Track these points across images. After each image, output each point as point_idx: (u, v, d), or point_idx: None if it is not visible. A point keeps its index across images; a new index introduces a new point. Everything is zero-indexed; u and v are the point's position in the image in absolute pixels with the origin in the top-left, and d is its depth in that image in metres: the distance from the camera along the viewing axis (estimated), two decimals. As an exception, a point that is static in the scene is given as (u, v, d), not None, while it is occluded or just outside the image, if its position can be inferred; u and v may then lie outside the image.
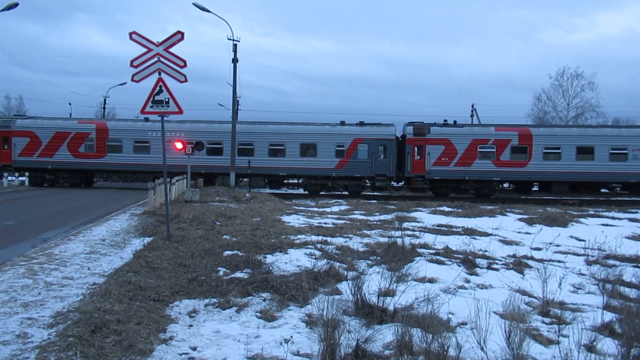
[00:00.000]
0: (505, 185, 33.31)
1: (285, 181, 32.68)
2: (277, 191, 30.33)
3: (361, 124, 30.66)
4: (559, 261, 9.59)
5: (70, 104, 61.08)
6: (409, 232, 12.75)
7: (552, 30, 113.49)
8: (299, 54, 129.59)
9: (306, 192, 30.71)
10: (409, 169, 29.80)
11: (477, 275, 8.11)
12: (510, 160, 29.56)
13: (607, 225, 16.49)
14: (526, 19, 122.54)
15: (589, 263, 9.39)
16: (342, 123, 31.01)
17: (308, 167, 30.28)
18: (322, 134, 30.47)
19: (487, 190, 30.09)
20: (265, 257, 8.82)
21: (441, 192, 29.98)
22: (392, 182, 31.10)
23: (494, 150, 29.63)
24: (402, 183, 31.73)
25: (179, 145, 27.77)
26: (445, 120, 30.61)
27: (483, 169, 29.56)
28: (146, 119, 31.61)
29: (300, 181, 32.43)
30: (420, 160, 29.66)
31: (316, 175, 30.37)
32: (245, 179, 31.37)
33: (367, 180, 30.71)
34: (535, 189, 32.61)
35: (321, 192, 30.42)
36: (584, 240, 12.32)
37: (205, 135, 30.43)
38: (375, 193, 30.69)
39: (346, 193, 30.16)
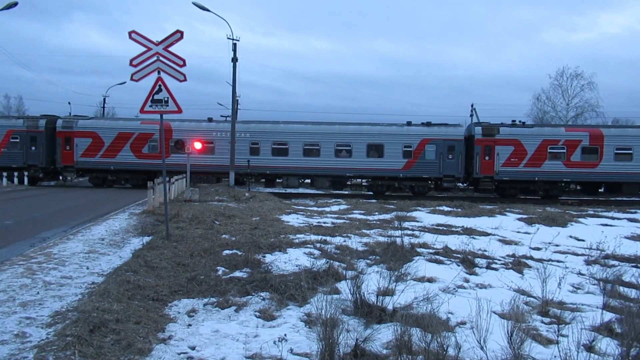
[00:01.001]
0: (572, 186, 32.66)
1: (349, 182, 32.09)
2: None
3: (428, 124, 30.31)
4: (558, 261, 9.59)
5: (69, 103, 60.87)
6: (409, 232, 12.75)
7: (553, 30, 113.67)
8: (298, 53, 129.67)
9: (370, 193, 30.23)
10: (478, 169, 29.33)
11: (476, 274, 8.11)
12: (580, 161, 29.07)
13: (606, 225, 16.50)
14: (527, 18, 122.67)
15: (588, 263, 9.39)
16: (409, 123, 30.75)
17: (375, 167, 29.84)
18: (389, 134, 30.04)
19: (555, 191, 29.59)
20: (264, 257, 8.82)
21: (509, 194, 29.50)
22: (459, 184, 30.75)
23: (565, 150, 29.09)
24: (467, 184, 31.35)
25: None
26: (514, 121, 30.37)
27: (553, 169, 29.05)
28: (210, 119, 31.65)
29: (365, 182, 31.93)
30: (489, 161, 29.26)
31: (383, 176, 29.97)
32: (306, 180, 31.14)
33: (431, 182, 30.24)
34: (601, 190, 31.94)
35: (386, 193, 29.92)
36: (583, 240, 12.33)
37: (270, 136, 30.20)
38: (442, 194, 30.10)
39: (411, 194, 29.63)
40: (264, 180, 31.67)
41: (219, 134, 30.35)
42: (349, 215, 17.58)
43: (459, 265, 8.64)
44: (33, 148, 30.97)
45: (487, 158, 29.34)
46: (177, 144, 28.56)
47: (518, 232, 14.24)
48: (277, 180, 31.26)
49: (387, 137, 30.05)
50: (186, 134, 30.19)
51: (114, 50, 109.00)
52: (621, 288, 7.17)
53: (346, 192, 30.76)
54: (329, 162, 29.97)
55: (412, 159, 29.71)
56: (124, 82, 46.60)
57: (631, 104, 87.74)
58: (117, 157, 30.52)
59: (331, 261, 8.17)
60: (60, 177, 32.72)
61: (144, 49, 9.85)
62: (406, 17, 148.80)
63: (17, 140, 31.06)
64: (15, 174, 31.02)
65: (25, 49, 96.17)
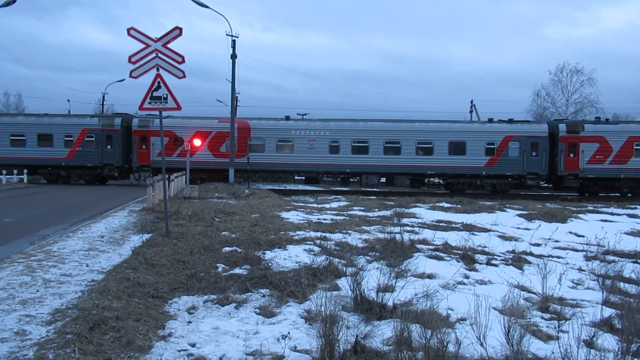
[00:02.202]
0: None
1: (426, 181, 31.67)
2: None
3: (510, 121, 30.07)
4: (558, 257, 9.59)
5: (69, 100, 60.91)
6: (408, 228, 12.75)
7: (554, 25, 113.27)
8: (297, 49, 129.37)
9: (447, 191, 29.85)
10: (562, 167, 28.99)
11: (476, 271, 8.11)
12: None
13: (606, 221, 16.50)
14: (528, 13, 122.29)
15: (588, 259, 9.39)
16: (491, 120, 30.62)
17: (456, 165, 29.45)
18: (471, 131, 29.84)
19: None
20: (264, 254, 8.81)
21: (593, 191, 29.11)
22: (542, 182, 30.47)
23: None
24: (547, 182, 31.04)
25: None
26: (598, 117, 30.16)
27: None
28: (287, 117, 31.32)
29: (442, 180, 31.46)
30: (574, 158, 28.89)
31: (464, 174, 29.61)
32: (384, 178, 30.78)
33: (513, 179, 29.81)
34: None
35: (467, 191, 29.62)
36: (583, 236, 12.33)
37: (350, 134, 29.86)
38: (524, 192, 29.98)
39: (493, 192, 29.42)
40: (340, 178, 31.19)
41: (297, 132, 29.87)
42: (349, 212, 17.57)
43: (458, 262, 8.64)
44: (109, 147, 30.59)
45: (571, 155, 28.96)
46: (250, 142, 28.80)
47: (518, 228, 14.23)
48: (352, 179, 30.70)
49: (469, 134, 29.71)
50: (264, 132, 30.02)
51: (111, 46, 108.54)
52: (621, 284, 7.17)
53: (345, 189, 30.71)
54: (410, 160, 29.55)
55: (495, 157, 29.35)
56: (123, 80, 46.65)
57: (632, 100, 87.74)
58: (195, 156, 29.66)
59: (331, 258, 8.16)
60: (132, 176, 32.18)
61: (143, 45, 9.83)
62: (405, 12, 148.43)
63: (92, 139, 30.65)
64: (15, 171, 30.86)
65: (22, 45, 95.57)
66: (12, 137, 30.83)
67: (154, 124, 30.09)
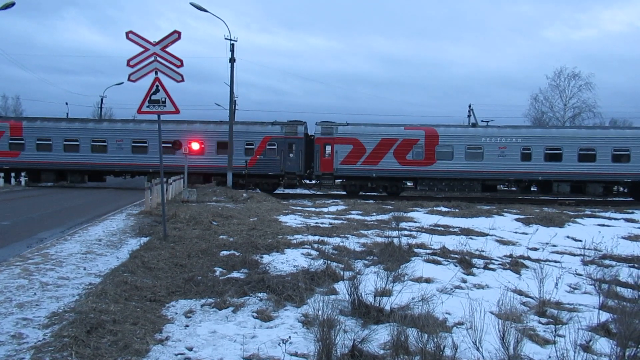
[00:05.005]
0: None
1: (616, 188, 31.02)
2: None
3: None
4: (555, 261, 9.60)
5: (67, 103, 60.83)
6: (406, 232, 12.76)
7: (556, 26, 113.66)
8: (294, 51, 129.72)
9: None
10: None
11: (473, 275, 8.12)
12: None
13: (603, 225, 16.55)
14: (529, 14, 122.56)
15: (585, 263, 9.41)
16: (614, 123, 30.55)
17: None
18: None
19: None
20: (262, 257, 8.81)
21: None
22: None
23: None
24: None
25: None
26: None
27: None
28: (474, 124, 30.87)
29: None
30: None
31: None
32: (502, 185, 30.43)
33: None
34: None
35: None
36: (580, 241, 12.35)
37: (542, 141, 29.27)
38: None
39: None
40: (535, 188, 30.76)
41: (487, 140, 29.32)
42: (347, 216, 17.58)
43: (456, 266, 8.65)
44: (291, 155, 30.13)
45: None
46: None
47: (515, 232, 14.26)
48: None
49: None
50: (453, 139, 29.55)
51: (106, 48, 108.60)
52: (618, 288, 7.19)
53: (343, 193, 30.70)
54: (605, 167, 28.86)
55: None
56: (122, 83, 46.57)
57: (631, 104, 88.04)
58: (380, 164, 29.44)
59: (329, 262, 8.17)
60: (309, 182, 31.75)
61: (141, 49, 9.85)
62: (404, 14, 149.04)
63: (274, 147, 30.15)
64: (12, 174, 30.78)
65: (17, 46, 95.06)
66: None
67: (337, 131, 29.74)
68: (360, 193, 29.71)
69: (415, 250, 9.87)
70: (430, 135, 29.64)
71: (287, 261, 8.62)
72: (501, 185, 33.10)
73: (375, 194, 30.10)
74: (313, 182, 31.74)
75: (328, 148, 29.84)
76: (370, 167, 29.40)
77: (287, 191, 31.71)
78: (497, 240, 12.18)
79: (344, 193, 30.33)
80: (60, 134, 30.82)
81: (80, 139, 30.77)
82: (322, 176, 30.18)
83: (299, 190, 32.15)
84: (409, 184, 32.56)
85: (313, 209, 20.16)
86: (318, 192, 31.21)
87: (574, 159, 29.00)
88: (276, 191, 30.80)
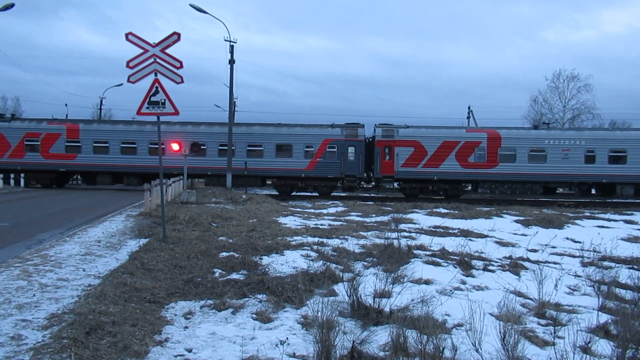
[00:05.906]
0: None
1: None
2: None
3: None
4: (554, 263, 9.61)
5: (66, 105, 60.69)
6: (405, 234, 12.76)
7: (555, 27, 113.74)
8: (293, 51, 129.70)
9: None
10: None
11: (473, 276, 8.12)
12: None
13: (602, 227, 16.57)
14: (528, 15, 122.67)
15: (584, 265, 9.41)
16: None
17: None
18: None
19: None
20: (261, 259, 8.81)
21: None
22: None
23: None
24: None
25: (174, 147, 27.91)
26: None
27: None
28: (535, 126, 30.30)
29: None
30: None
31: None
32: (562, 189, 30.14)
33: None
34: None
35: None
36: (579, 242, 12.37)
37: (606, 143, 29.09)
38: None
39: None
40: (595, 191, 30.63)
41: (551, 142, 29.12)
42: (346, 218, 17.58)
43: (455, 267, 8.65)
44: (351, 157, 29.84)
45: None
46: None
47: (515, 234, 14.26)
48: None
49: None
50: (516, 141, 29.36)
51: (105, 49, 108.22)
52: (617, 290, 7.19)
53: (344, 195, 30.70)
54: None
55: None
56: (121, 84, 46.56)
57: (629, 106, 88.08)
58: (441, 166, 29.31)
59: (328, 263, 8.17)
60: (370, 185, 31.54)
61: (141, 50, 9.86)
62: (404, 15, 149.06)
63: (334, 149, 29.95)
64: (12, 176, 30.74)
65: (15, 47, 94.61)
66: (248, 148, 30.35)
67: (398, 133, 29.65)
68: (420, 196, 29.51)
69: (415, 251, 9.87)
70: (493, 138, 29.48)
71: (287, 262, 8.62)
72: (561, 189, 32.92)
73: (434, 197, 29.98)
74: (371, 184, 31.64)
75: (389, 150, 29.79)
76: (432, 169, 29.25)
77: (344, 194, 31.24)
78: (497, 242, 12.18)
79: (403, 196, 30.18)
80: (117, 136, 30.86)
81: (138, 141, 30.78)
82: (382, 179, 30.16)
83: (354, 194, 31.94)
84: (468, 187, 32.49)
85: (312, 211, 20.16)
86: (378, 195, 31.16)
87: (639, 162, 28.82)
88: (333, 193, 30.48)
